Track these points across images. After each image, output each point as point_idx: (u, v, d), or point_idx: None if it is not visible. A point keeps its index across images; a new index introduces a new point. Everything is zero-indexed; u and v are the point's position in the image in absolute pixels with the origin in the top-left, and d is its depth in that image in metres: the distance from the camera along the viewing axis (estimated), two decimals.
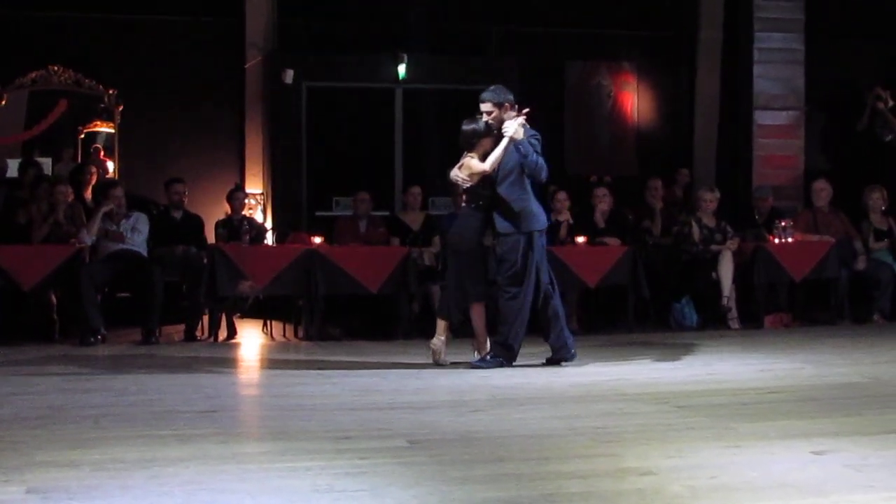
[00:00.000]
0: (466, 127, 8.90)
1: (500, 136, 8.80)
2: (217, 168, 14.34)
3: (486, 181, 8.80)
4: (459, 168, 8.90)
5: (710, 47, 15.55)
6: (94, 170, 13.29)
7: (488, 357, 8.94)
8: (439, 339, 9.04)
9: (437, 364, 8.95)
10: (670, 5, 15.80)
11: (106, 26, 14.21)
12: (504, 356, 8.93)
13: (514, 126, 8.70)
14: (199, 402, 7.32)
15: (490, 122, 8.86)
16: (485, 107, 8.87)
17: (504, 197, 8.81)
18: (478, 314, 9.07)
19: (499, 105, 8.87)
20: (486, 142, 8.83)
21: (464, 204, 9.10)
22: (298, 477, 5.09)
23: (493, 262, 9.01)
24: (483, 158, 8.81)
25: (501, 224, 8.83)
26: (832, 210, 12.87)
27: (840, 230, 12.62)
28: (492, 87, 9.01)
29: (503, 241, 8.86)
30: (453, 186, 9.38)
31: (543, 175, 8.91)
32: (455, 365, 9.02)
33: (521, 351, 9.06)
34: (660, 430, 6.21)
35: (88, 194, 12.70)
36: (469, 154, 8.87)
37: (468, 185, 8.87)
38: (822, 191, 12.90)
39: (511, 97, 8.96)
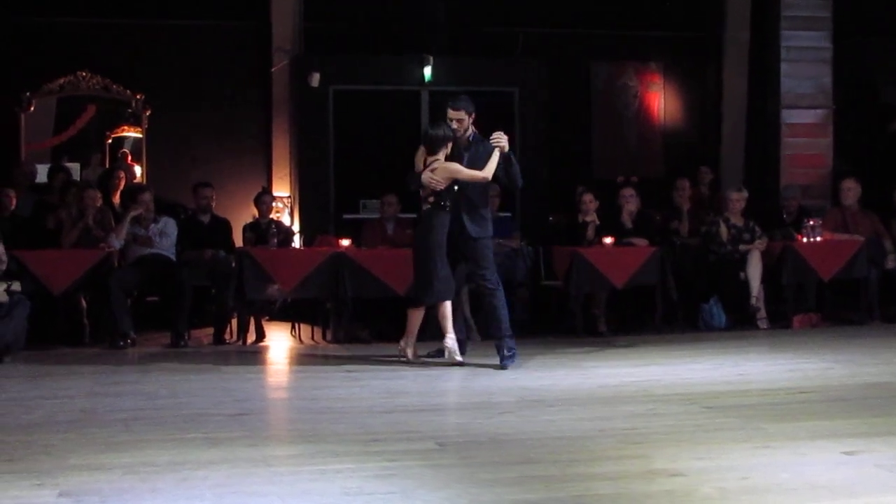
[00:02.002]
0: (437, 132, 9.29)
1: (457, 142, 9.32)
2: (244, 172, 14.38)
3: (453, 184, 9.19)
4: (432, 171, 9.15)
5: (737, 46, 15.49)
6: (122, 174, 13.34)
7: (506, 353, 9.18)
8: (450, 339, 9.20)
9: (456, 363, 9.10)
10: (697, 5, 15.76)
11: (133, 32, 14.26)
12: (514, 344, 9.34)
13: (504, 138, 9.22)
14: (228, 406, 7.35)
15: (457, 128, 9.32)
16: (459, 114, 9.35)
17: (477, 203, 9.35)
18: (419, 315, 9.39)
19: (469, 114, 9.40)
20: (449, 146, 9.25)
21: (429, 205, 9.27)
22: (328, 479, 5.10)
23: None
24: (454, 161, 9.24)
25: (476, 229, 9.31)
26: (861, 209, 12.79)
27: (869, 229, 12.54)
28: (462, 97, 9.54)
29: (478, 245, 9.31)
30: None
31: (520, 181, 9.55)
32: (471, 367, 9.04)
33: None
34: (689, 431, 6.21)
35: (117, 199, 12.76)
36: (434, 157, 9.21)
37: (440, 188, 9.13)
38: (851, 190, 12.81)
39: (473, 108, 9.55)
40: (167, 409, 7.23)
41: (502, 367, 9.03)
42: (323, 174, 14.27)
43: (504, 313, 9.33)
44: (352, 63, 14.34)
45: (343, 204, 14.22)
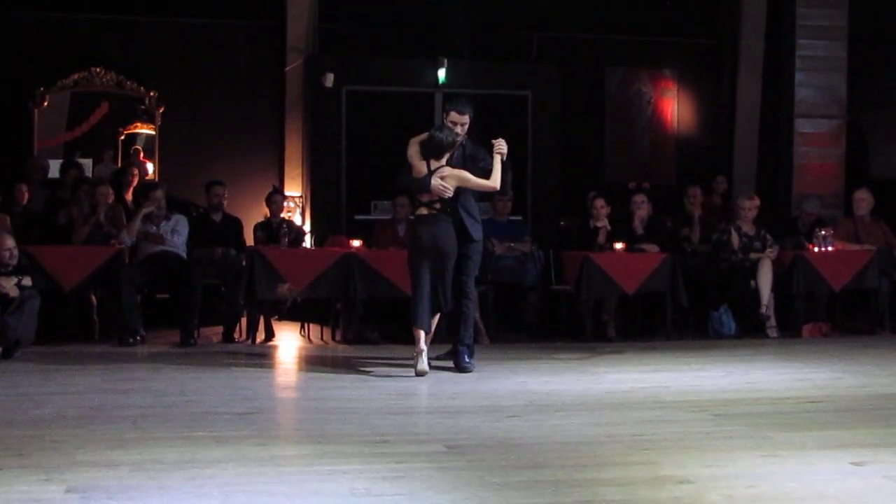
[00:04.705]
0: (447, 138, 9.06)
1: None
2: (256, 171, 14.39)
3: (457, 191, 9.17)
4: (442, 178, 8.98)
5: (751, 55, 15.49)
6: (136, 171, 13.37)
7: (467, 356, 9.18)
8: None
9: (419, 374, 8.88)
10: (712, 12, 15.75)
11: (148, 29, 14.29)
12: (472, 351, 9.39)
13: (505, 146, 9.18)
14: (237, 404, 7.36)
15: (460, 132, 9.22)
16: (464, 118, 9.25)
17: (473, 207, 9.34)
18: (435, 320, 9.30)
19: (471, 118, 9.33)
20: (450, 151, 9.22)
21: (434, 211, 9.08)
22: (336, 480, 5.10)
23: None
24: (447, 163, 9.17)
25: (476, 232, 9.32)
26: (873, 219, 12.77)
27: (881, 239, 12.52)
28: (465, 100, 9.46)
29: (475, 247, 9.33)
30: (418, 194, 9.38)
31: (510, 191, 9.93)
32: (480, 371, 9.03)
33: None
34: (698, 438, 6.20)
35: (129, 196, 12.77)
36: (438, 162, 9.02)
37: (448, 196, 9.03)
38: (864, 200, 12.79)
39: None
40: (176, 406, 7.24)
41: (466, 370, 9.05)
42: (335, 174, 14.28)
43: (472, 319, 9.49)
44: (366, 64, 14.36)
45: (354, 205, 14.23)
